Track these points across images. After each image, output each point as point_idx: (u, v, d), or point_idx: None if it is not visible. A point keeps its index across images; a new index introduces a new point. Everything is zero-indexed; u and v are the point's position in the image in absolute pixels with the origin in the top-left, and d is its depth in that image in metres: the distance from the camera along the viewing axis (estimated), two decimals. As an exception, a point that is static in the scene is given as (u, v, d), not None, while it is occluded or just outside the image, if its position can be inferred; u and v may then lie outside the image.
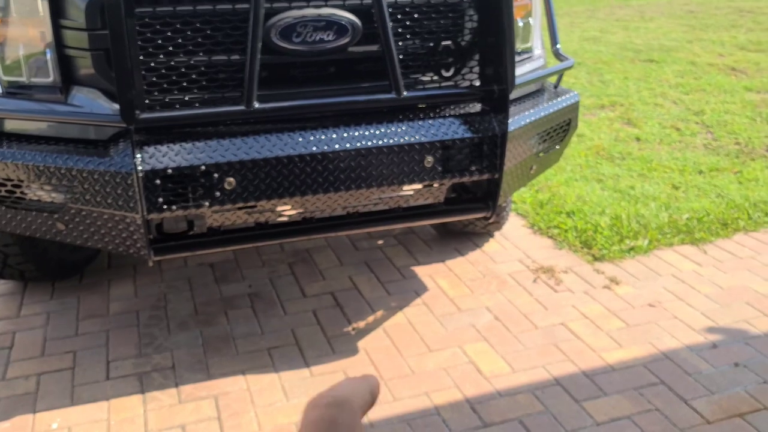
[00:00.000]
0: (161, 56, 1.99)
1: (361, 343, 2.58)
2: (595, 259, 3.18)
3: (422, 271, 3.08)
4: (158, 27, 1.97)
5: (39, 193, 2.12)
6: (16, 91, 2.16)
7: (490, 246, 3.30)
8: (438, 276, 3.04)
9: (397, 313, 2.78)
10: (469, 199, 2.43)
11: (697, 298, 2.87)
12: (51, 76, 2.12)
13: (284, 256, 3.21)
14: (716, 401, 2.27)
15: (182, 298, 2.88)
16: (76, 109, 2.08)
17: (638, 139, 4.65)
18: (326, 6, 2.09)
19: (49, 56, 2.10)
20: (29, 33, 2.12)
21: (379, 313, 2.77)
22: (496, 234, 3.40)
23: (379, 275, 3.05)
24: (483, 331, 2.66)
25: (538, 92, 2.66)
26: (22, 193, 2.12)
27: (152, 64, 1.99)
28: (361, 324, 2.70)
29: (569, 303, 2.84)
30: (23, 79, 2.15)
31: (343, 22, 2.11)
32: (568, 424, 2.18)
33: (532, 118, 2.38)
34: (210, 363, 2.47)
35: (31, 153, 2.07)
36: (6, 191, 2.11)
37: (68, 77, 2.11)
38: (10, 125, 2.19)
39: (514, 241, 3.35)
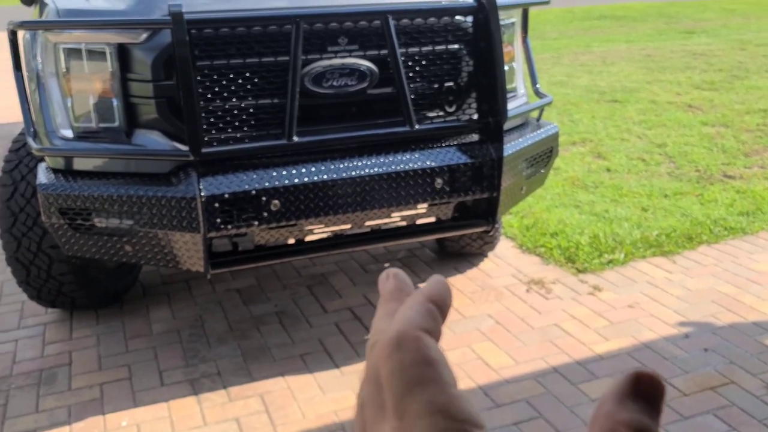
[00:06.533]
0: (217, 101, 2.39)
1: (382, 347, 2.93)
2: (579, 271, 3.59)
3: (427, 288, 3.46)
4: (215, 77, 2.37)
5: (109, 219, 2.47)
6: (85, 135, 2.54)
7: (485, 264, 3.70)
8: (442, 291, 3.42)
9: (409, 322, 3.14)
10: (471, 216, 2.84)
11: (670, 299, 3.28)
12: (117, 121, 2.50)
13: (302, 280, 3.57)
14: (691, 378, 2.66)
15: (216, 318, 3.22)
16: (142, 148, 2.46)
17: (608, 170, 5.13)
18: (350, 56, 2.52)
19: (115, 104, 2.49)
20: (98, 86, 2.51)
21: (394, 323, 3.13)
22: (490, 254, 3.80)
23: (390, 292, 3.41)
24: (487, 333, 3.03)
25: (523, 125, 3.10)
26: (94, 220, 2.48)
27: (210, 108, 2.39)
28: (380, 332, 3.06)
29: (559, 307, 3.23)
30: (92, 124, 2.53)
31: (363, 69, 2.54)
32: (568, 402, 2.55)
33: (522, 146, 2.81)
34: (251, 369, 2.81)
35: (104, 185, 2.44)
36: (81, 219, 2.47)
37: (132, 121, 2.49)
38: (80, 164, 2.56)
39: (505, 259, 3.76)
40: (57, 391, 2.68)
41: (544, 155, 3.03)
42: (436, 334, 0.39)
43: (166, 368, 2.83)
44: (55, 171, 2.55)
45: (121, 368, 2.83)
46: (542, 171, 3.07)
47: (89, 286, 3.11)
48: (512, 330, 3.05)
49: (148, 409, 2.57)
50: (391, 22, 2.47)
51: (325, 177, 2.47)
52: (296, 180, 2.44)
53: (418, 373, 0.36)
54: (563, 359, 2.82)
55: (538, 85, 3.21)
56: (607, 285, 3.43)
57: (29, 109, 2.58)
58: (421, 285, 0.42)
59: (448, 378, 0.36)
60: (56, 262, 2.95)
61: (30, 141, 2.53)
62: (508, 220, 4.18)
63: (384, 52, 2.54)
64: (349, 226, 2.60)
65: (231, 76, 2.39)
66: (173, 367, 2.83)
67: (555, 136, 3.09)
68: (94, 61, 2.47)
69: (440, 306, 0.40)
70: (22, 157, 2.96)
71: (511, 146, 2.73)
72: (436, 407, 0.34)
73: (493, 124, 2.66)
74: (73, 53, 2.48)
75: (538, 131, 3.01)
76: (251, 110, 2.44)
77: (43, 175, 2.53)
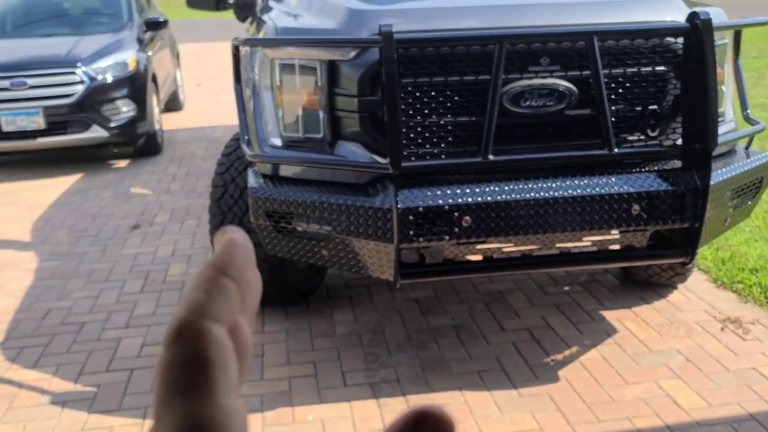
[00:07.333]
0: (418, 117, 2.47)
1: (561, 373, 2.87)
2: (783, 313, 3.29)
3: (610, 315, 3.34)
4: (417, 94, 2.45)
5: (310, 224, 2.63)
6: (292, 144, 2.72)
7: (675, 297, 3.50)
8: (626, 320, 3.28)
9: (590, 349, 3.04)
10: (668, 245, 2.70)
11: None
12: (321, 132, 2.65)
13: (480, 296, 3.58)
14: None
15: (396, 325, 3.31)
16: (343, 159, 2.59)
17: (819, 204, 4.66)
18: (550, 77, 2.50)
19: (321, 116, 2.64)
20: (307, 99, 2.68)
21: (574, 349, 3.05)
22: (679, 286, 3.59)
23: (570, 316, 3.33)
24: (676, 369, 2.87)
25: (730, 152, 2.91)
26: (295, 224, 2.65)
27: (411, 124, 2.47)
28: (559, 357, 3.00)
29: (759, 350, 2.98)
30: (299, 134, 2.70)
31: (563, 90, 2.51)
32: (769, 455, 2.35)
33: (729, 175, 2.64)
34: (429, 379, 2.86)
35: (307, 192, 2.60)
36: (284, 223, 2.64)
37: (335, 133, 2.63)
38: (286, 170, 2.74)
39: (697, 293, 3.53)
40: (251, 380, 2.89)
41: (753, 186, 2.82)
42: (229, 318, 0.32)
43: (348, 369, 2.95)
44: (264, 176, 2.76)
45: (308, 365, 3.00)
46: (749, 202, 2.86)
47: (282, 284, 3.32)
48: (704, 369, 2.86)
49: (331, 407, 2.69)
50: (596, 43, 2.42)
51: (517, 197, 2.46)
52: (489, 198, 2.45)
53: (185, 376, 0.30)
54: (763, 407, 2.60)
55: (748, 110, 2.99)
56: (816, 331, 3.12)
57: (245, 118, 2.81)
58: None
59: (222, 386, 0.30)
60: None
61: (244, 147, 2.75)
62: (700, 251, 3.92)
63: (586, 72, 2.49)
64: (538, 246, 2.58)
65: (432, 93, 2.46)
66: (355, 369, 2.95)
67: (766, 166, 2.87)
68: (305, 75, 2.65)
69: (236, 277, 0.32)
70: (233, 161, 3.23)
71: (718, 175, 2.57)
72: (193, 422, 0.29)
73: (699, 150, 2.52)
74: (286, 68, 2.67)
75: (748, 159, 2.81)
76: (449, 127, 2.49)
77: (253, 180, 2.74)
